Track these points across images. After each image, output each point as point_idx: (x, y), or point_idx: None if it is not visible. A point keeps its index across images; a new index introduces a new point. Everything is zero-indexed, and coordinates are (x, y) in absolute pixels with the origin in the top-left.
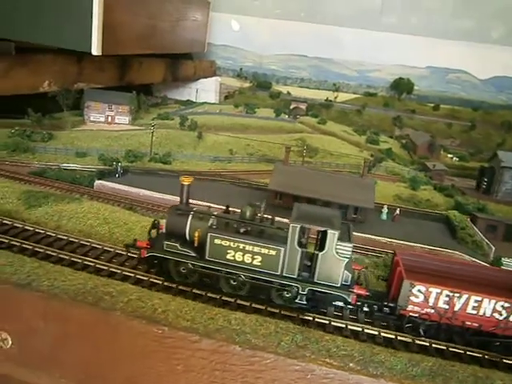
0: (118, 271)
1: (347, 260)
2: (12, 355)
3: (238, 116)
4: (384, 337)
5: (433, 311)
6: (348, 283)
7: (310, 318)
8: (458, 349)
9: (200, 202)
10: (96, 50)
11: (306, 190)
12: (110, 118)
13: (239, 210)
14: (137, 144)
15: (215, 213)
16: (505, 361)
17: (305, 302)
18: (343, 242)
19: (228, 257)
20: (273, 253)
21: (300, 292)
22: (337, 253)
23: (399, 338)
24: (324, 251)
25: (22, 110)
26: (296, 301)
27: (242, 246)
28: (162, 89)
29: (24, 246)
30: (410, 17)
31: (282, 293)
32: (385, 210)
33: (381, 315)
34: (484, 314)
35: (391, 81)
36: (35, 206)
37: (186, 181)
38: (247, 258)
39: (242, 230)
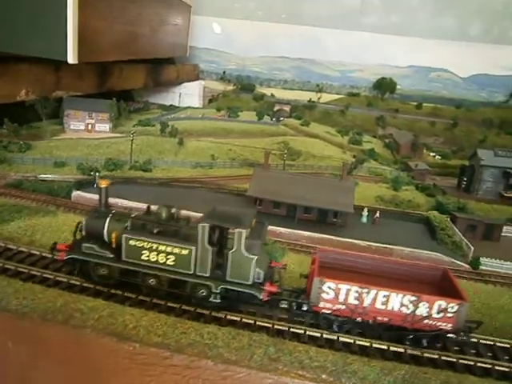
0: (91, 286)
1: (256, 257)
2: None
3: (220, 120)
4: (359, 345)
5: (344, 307)
6: (260, 280)
7: (285, 328)
8: (433, 354)
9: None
10: (72, 58)
11: (285, 195)
12: (90, 125)
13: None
14: (117, 152)
15: (133, 214)
16: (479, 365)
17: (219, 301)
18: (252, 239)
19: (143, 257)
20: (185, 252)
21: (213, 290)
22: (246, 251)
23: (374, 345)
24: (233, 249)
25: None
26: (210, 299)
27: (155, 246)
28: (144, 94)
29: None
30: (391, 16)
31: (197, 292)
32: (365, 212)
33: (299, 312)
34: (392, 308)
35: (374, 80)
36: (8, 220)
37: (104, 183)
38: (161, 258)
39: (155, 231)
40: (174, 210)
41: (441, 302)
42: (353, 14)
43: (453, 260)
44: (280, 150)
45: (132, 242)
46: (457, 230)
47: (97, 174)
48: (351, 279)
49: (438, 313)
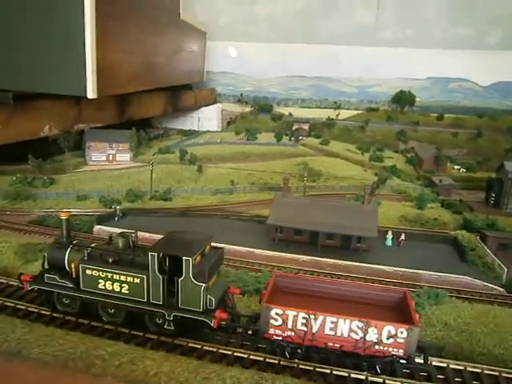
0: (112, 328)
1: (204, 285)
2: None
3: (238, 144)
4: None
5: (293, 333)
6: (212, 307)
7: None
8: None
9: None
10: (91, 93)
11: (307, 222)
12: (111, 156)
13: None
14: (137, 182)
15: (93, 244)
16: None
17: (173, 328)
18: (203, 266)
19: (100, 286)
20: (137, 281)
21: (167, 318)
22: (194, 278)
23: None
24: (182, 277)
25: (24, 155)
26: (165, 327)
27: (110, 275)
28: (163, 120)
29: (18, 306)
30: (406, 29)
31: (154, 319)
32: (389, 235)
33: (254, 339)
34: (342, 334)
35: (392, 94)
36: (32, 260)
37: (64, 215)
38: (116, 287)
39: (110, 260)
40: (132, 238)
41: (390, 328)
42: (367, 29)
43: (485, 283)
44: (300, 172)
45: (89, 272)
46: (488, 250)
47: (117, 207)
48: (306, 304)
49: (388, 338)
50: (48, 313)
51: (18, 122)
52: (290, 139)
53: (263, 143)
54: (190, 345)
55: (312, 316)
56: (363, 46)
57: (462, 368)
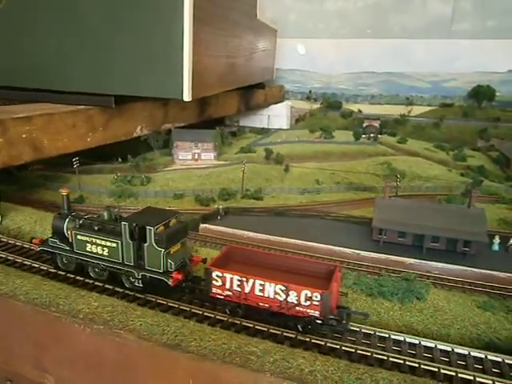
0: (250, 325)
1: (163, 250)
2: None
3: (317, 142)
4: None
5: (230, 293)
6: (172, 270)
7: None
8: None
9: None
10: (187, 96)
11: (411, 224)
12: (196, 155)
13: None
14: (227, 181)
15: (86, 216)
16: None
17: (141, 285)
18: (163, 235)
19: (87, 249)
20: (114, 245)
21: (136, 276)
22: (156, 244)
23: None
24: (147, 243)
25: (113, 153)
26: (135, 284)
27: (94, 240)
28: (233, 118)
29: (169, 304)
30: (486, 21)
31: (128, 278)
32: (496, 240)
33: (202, 297)
34: (269, 295)
35: (469, 89)
36: None
37: (64, 192)
38: (99, 250)
39: (96, 228)
40: (115, 212)
41: (306, 291)
42: (443, 22)
43: None
44: (384, 172)
45: (79, 237)
46: None
47: (220, 206)
48: (249, 271)
49: (306, 301)
50: (200, 312)
51: (116, 124)
52: (368, 138)
53: (342, 142)
54: (329, 345)
55: (244, 279)
56: (438, 39)
57: (372, 332)
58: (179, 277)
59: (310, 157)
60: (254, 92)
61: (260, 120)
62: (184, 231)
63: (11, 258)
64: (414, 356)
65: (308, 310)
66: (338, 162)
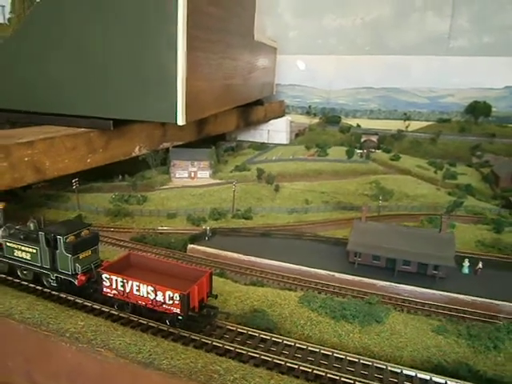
0: (219, 345)
1: (70, 256)
2: None
3: (310, 160)
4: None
5: (116, 292)
6: (78, 272)
7: None
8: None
9: (281, 264)
10: (181, 121)
11: (385, 248)
12: (192, 173)
13: None
14: (219, 200)
15: (16, 227)
16: None
17: (55, 284)
18: (74, 244)
19: (15, 254)
20: (34, 251)
21: (51, 277)
22: (65, 251)
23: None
24: (58, 250)
25: (113, 172)
26: (52, 284)
27: (19, 246)
28: (233, 133)
29: (150, 324)
30: (482, 37)
31: (47, 279)
32: (466, 263)
33: (96, 295)
34: (143, 295)
35: (466, 105)
36: None
37: (1, 206)
38: (24, 255)
39: (22, 237)
40: (36, 223)
41: (169, 292)
42: (441, 38)
43: None
44: (372, 192)
45: (8, 244)
46: None
47: (207, 227)
48: (136, 275)
49: (169, 300)
50: (176, 331)
51: (115, 145)
52: (361, 156)
53: (335, 160)
54: (288, 365)
55: (125, 280)
56: (435, 56)
57: (330, 354)
58: (82, 278)
59: (301, 175)
60: (254, 108)
61: (260, 135)
62: (94, 240)
63: (10, 278)
64: (365, 377)
65: (172, 308)
66: (329, 181)
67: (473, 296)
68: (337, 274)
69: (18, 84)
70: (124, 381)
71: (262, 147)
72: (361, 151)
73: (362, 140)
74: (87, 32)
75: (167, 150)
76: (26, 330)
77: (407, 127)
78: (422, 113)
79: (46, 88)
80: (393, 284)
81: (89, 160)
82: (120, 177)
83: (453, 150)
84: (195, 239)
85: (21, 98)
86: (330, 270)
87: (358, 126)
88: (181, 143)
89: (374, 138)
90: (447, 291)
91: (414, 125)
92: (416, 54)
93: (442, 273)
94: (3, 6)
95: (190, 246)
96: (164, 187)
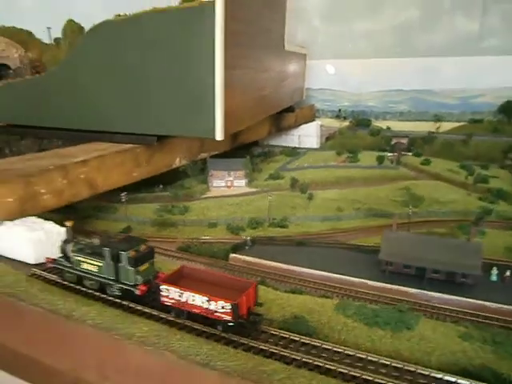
0: (265, 348)
1: (133, 269)
2: None
3: (341, 167)
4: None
5: (174, 301)
6: (139, 283)
7: None
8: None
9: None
10: (219, 136)
11: (414, 258)
12: (229, 182)
13: None
14: (256, 209)
15: (83, 242)
16: None
17: (119, 293)
18: (134, 258)
19: (82, 266)
20: (100, 264)
21: (115, 287)
22: (128, 264)
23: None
24: (121, 263)
25: (154, 181)
26: (115, 293)
27: (86, 260)
28: (265, 139)
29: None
30: None
31: (110, 288)
32: (494, 271)
33: (156, 304)
34: (198, 304)
35: (498, 104)
36: None
37: (68, 224)
38: (91, 267)
39: (88, 251)
40: (100, 239)
41: (221, 302)
42: (471, 39)
43: None
44: (403, 198)
45: (76, 258)
46: None
47: (248, 237)
48: (191, 286)
49: (221, 308)
50: (227, 336)
51: (158, 158)
52: (392, 160)
53: (366, 166)
54: (327, 366)
55: (181, 292)
56: (466, 57)
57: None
58: (143, 288)
59: (332, 183)
60: (285, 115)
61: (291, 139)
62: (151, 254)
63: (78, 287)
64: (396, 378)
65: (223, 316)
66: (360, 188)
67: (499, 303)
68: (369, 282)
69: (70, 107)
70: (184, 379)
71: (294, 153)
72: (391, 154)
73: (392, 142)
74: (136, 61)
75: (205, 160)
76: (98, 334)
77: (438, 128)
78: (453, 114)
79: (97, 109)
80: (423, 291)
81: (135, 174)
82: (161, 186)
83: (485, 151)
84: (237, 248)
85: (74, 118)
86: (362, 278)
87: (388, 128)
88: (217, 152)
89: (404, 141)
90: (474, 298)
91: (445, 126)
92: (446, 55)
93: (470, 280)
94: (49, 28)
95: (232, 255)
96: (203, 196)
